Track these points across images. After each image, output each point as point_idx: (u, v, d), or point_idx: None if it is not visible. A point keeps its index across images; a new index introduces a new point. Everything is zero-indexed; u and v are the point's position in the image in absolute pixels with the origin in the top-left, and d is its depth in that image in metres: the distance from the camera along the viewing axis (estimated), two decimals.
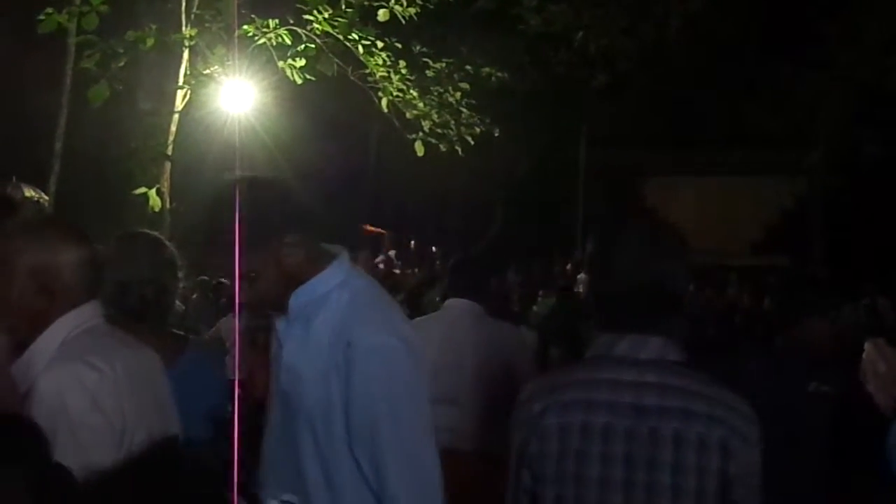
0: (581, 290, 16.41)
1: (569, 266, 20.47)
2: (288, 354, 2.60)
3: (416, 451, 2.58)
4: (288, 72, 10.41)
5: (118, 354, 2.53)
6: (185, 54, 11.10)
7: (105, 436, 2.39)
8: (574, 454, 2.39)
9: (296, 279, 2.57)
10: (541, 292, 15.72)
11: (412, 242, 24.20)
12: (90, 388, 2.41)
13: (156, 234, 3.54)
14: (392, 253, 20.52)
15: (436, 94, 12.25)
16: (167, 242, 3.44)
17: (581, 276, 17.79)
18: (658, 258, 2.45)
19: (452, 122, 12.33)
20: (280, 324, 2.65)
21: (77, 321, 2.53)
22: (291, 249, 2.55)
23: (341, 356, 2.47)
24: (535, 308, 13.12)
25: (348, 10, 10.40)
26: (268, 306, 2.68)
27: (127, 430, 2.46)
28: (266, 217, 2.54)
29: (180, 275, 3.41)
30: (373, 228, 20.43)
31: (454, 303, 5.02)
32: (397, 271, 18.05)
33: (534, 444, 2.45)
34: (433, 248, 24.90)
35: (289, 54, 10.32)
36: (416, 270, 19.40)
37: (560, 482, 2.41)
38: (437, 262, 20.48)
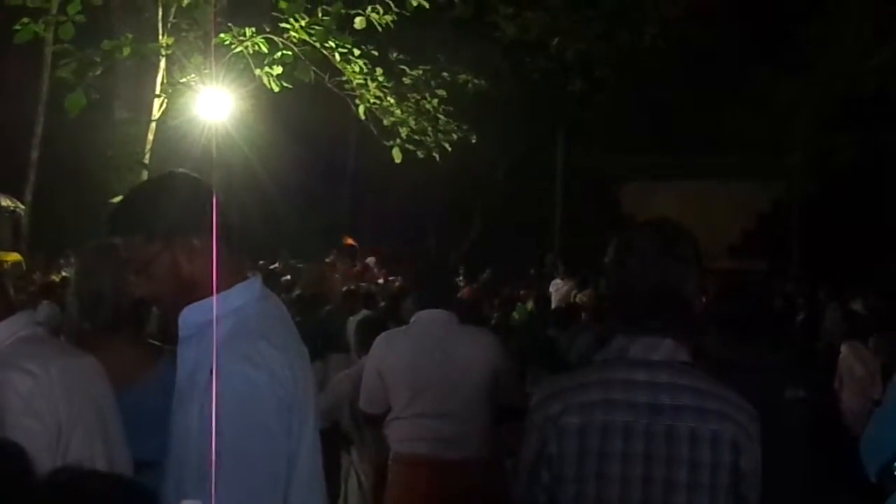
0: (553, 294, 16.46)
1: (544, 268, 20.53)
2: (178, 378, 2.50)
3: (252, 492, 2.33)
4: (265, 80, 10.39)
5: (54, 360, 2.54)
6: (162, 63, 11.07)
7: (41, 440, 2.38)
8: (595, 453, 2.45)
9: (188, 288, 2.47)
10: (522, 292, 15.74)
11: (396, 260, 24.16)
12: (24, 394, 2.42)
13: None
14: (371, 260, 20.45)
15: (413, 100, 12.26)
16: None
17: (556, 281, 17.82)
18: (672, 264, 2.51)
19: (430, 128, 12.34)
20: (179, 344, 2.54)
21: (9, 331, 2.54)
22: (193, 255, 2.45)
23: (204, 383, 2.32)
24: (515, 314, 13.13)
25: (325, 18, 10.39)
26: (158, 303, 2.61)
27: (63, 432, 2.46)
28: (175, 211, 2.46)
29: None
30: (352, 241, 20.37)
31: (426, 314, 4.97)
32: (380, 280, 18.03)
33: (553, 445, 2.49)
34: (412, 255, 24.88)
35: (266, 62, 10.31)
36: (395, 278, 19.39)
37: (580, 481, 2.47)
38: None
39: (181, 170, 2.68)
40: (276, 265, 18.34)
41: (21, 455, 1.89)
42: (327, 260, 17.76)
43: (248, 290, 2.50)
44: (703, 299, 2.64)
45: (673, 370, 2.48)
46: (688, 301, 2.53)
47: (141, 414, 2.75)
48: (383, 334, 5.23)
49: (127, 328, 3.23)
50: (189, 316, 2.46)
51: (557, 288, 17.06)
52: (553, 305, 13.66)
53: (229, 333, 2.37)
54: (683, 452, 2.41)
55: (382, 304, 10.74)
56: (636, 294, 2.52)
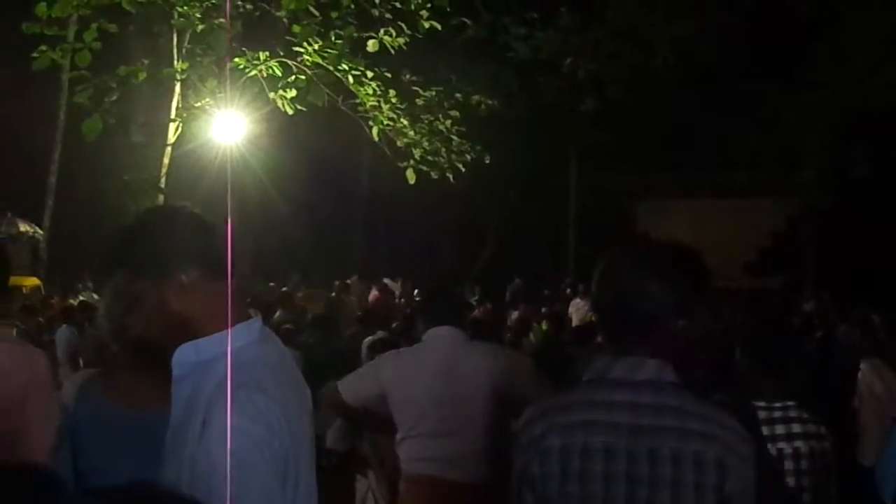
0: (574, 313, 16.46)
1: (568, 290, 20.51)
2: (172, 420, 2.38)
3: None
4: (279, 103, 10.46)
5: None
6: (177, 87, 11.16)
7: None
8: (576, 474, 2.43)
9: (179, 327, 2.34)
10: (544, 309, 15.70)
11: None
12: None
13: None
14: (387, 280, 20.47)
15: (426, 122, 12.29)
16: None
17: (575, 300, 17.83)
18: (624, 277, 2.51)
19: (443, 149, 12.37)
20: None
21: None
22: (181, 292, 2.31)
23: (197, 432, 2.23)
24: (531, 336, 13.10)
25: (338, 41, 10.47)
26: (144, 341, 2.45)
27: None
28: (167, 244, 2.33)
29: None
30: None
31: (436, 331, 4.92)
32: (397, 297, 18.08)
33: (535, 466, 2.48)
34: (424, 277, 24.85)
35: (280, 85, 10.38)
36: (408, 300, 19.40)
37: (563, 502, 2.45)
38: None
39: (175, 204, 2.51)
40: (286, 288, 18.38)
41: (50, 481, 1.91)
42: (348, 282, 17.81)
43: (247, 332, 2.38)
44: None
45: (658, 391, 2.45)
46: (646, 315, 2.47)
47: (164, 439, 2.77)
48: (392, 352, 5.16)
49: (153, 353, 3.25)
50: (182, 355, 2.35)
51: (578, 307, 17.07)
52: (574, 324, 13.65)
53: (224, 379, 2.25)
54: (666, 473, 2.38)
55: (395, 325, 10.75)
56: (599, 310, 2.56)
